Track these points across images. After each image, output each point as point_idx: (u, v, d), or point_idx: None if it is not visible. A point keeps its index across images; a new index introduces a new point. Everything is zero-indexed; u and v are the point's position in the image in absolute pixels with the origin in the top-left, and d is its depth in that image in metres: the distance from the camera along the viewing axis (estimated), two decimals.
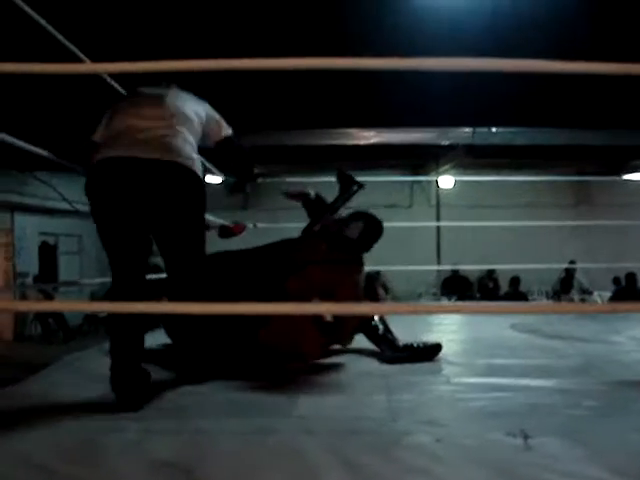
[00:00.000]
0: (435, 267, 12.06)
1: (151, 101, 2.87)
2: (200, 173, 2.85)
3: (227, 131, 3.08)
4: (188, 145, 2.79)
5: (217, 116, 3.07)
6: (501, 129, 7.66)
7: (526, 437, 1.96)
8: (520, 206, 12.36)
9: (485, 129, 7.59)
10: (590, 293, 11.88)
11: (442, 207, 12.72)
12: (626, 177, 11.80)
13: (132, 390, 2.49)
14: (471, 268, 12.06)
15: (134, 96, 3.01)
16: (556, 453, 1.86)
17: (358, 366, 3.24)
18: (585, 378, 2.96)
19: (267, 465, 1.82)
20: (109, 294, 2.98)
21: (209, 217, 3.35)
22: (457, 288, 12.56)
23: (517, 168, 10.97)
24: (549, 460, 1.80)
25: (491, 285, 12.76)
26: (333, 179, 3.74)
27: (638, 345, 4.01)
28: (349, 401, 2.54)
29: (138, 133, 2.70)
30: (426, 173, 11.44)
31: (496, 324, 4.64)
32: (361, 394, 2.65)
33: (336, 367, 3.21)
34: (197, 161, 2.83)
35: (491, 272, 12.75)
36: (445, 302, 10.94)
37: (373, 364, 3.29)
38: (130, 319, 2.55)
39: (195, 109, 2.93)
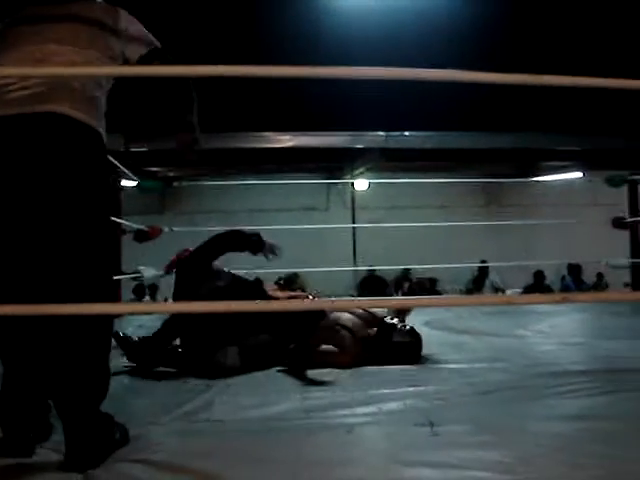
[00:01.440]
0: (351, 268, 12.23)
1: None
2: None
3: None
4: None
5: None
6: (413, 133, 7.87)
7: (432, 425, 2.07)
8: (434, 207, 12.71)
9: (398, 133, 7.78)
10: (503, 291, 12.28)
11: (358, 209, 12.91)
12: (535, 179, 12.25)
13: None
14: (387, 268, 12.26)
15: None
16: (462, 440, 1.97)
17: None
18: (493, 370, 3.10)
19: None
20: None
21: (121, 221, 3.19)
22: (374, 289, 12.76)
23: (430, 170, 11.24)
24: (455, 446, 1.90)
25: (407, 285, 13.03)
26: (249, 182, 3.78)
27: (543, 338, 4.21)
28: (264, 401, 2.58)
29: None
30: (342, 176, 11.61)
31: (411, 322, 4.76)
32: (275, 393, 2.69)
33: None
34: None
35: (407, 272, 13.02)
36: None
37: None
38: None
39: None
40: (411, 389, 2.68)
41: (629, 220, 7.11)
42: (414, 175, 10.70)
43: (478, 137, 8.90)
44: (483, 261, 12.29)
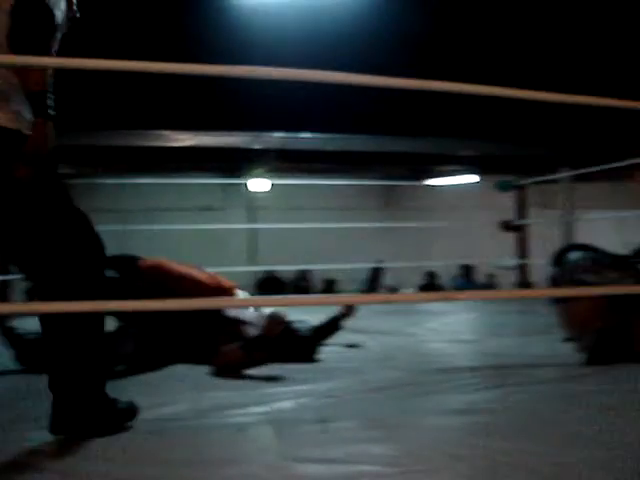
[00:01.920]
0: (248, 268, 12.20)
1: None
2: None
3: None
4: None
5: None
6: (312, 135, 7.95)
7: (324, 422, 2.10)
8: (333, 209, 12.83)
9: (297, 135, 7.84)
10: (396, 291, 12.51)
11: (259, 210, 12.89)
12: (430, 182, 12.60)
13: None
14: (285, 269, 12.31)
15: None
16: (352, 436, 2.01)
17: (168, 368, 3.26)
18: (385, 368, 3.18)
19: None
20: None
21: None
22: (271, 289, 12.78)
23: (330, 172, 11.37)
24: (345, 442, 1.94)
25: (305, 286, 13.11)
26: (145, 181, 3.71)
27: (434, 336, 4.35)
28: (158, 401, 2.54)
29: None
30: (241, 176, 11.58)
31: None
32: (170, 394, 2.66)
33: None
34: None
35: (305, 273, 13.11)
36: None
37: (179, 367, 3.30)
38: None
39: None
40: (305, 387, 2.71)
41: (516, 223, 7.43)
42: (315, 177, 10.79)
43: (377, 140, 9.09)
44: (379, 261, 12.44)
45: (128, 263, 3.42)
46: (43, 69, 1.89)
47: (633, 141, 9.14)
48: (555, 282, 3.70)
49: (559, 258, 3.71)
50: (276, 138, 7.79)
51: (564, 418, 2.23)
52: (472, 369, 3.09)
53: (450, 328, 4.68)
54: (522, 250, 7.74)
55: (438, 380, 2.83)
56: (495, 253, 7.33)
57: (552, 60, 7.68)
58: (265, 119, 7.35)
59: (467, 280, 12.73)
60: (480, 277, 13.43)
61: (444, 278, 13.20)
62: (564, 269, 3.62)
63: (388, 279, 12.97)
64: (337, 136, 8.20)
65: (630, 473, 1.66)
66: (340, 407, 2.38)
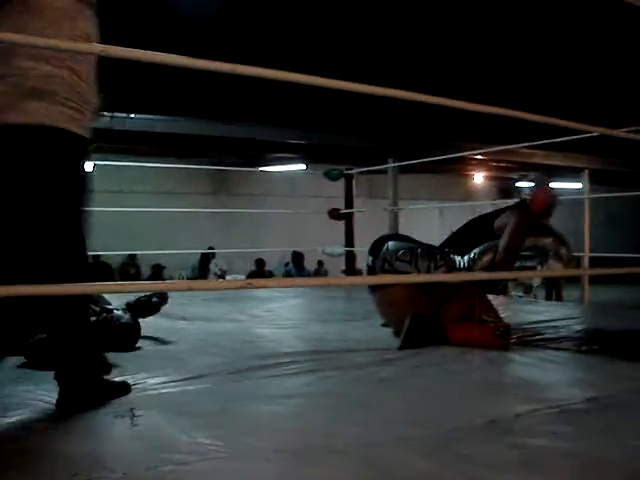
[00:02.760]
0: None
1: None
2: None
3: None
4: None
5: None
6: (140, 116, 7.69)
7: (133, 415, 2.02)
8: (163, 192, 12.55)
9: (123, 115, 7.55)
10: (223, 277, 12.52)
11: None
12: (261, 169, 12.63)
13: None
14: (112, 254, 11.83)
15: None
16: (161, 424, 1.95)
17: None
18: (206, 354, 3.13)
19: None
20: None
21: None
22: (99, 275, 12.30)
23: (159, 155, 11.07)
24: (153, 433, 1.87)
25: (133, 272, 12.76)
26: None
27: (258, 322, 4.33)
28: None
29: None
30: None
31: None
32: None
33: None
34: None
35: (133, 258, 12.75)
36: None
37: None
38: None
39: None
40: (121, 378, 2.59)
41: (343, 212, 7.60)
42: (142, 159, 10.46)
43: (207, 124, 8.96)
44: (210, 247, 12.44)
45: None
46: None
47: (455, 135, 9.66)
48: (372, 271, 3.80)
49: (376, 248, 3.82)
50: (102, 117, 7.43)
51: (378, 400, 2.29)
52: (293, 354, 3.10)
53: (275, 314, 4.69)
54: (349, 238, 7.92)
55: (258, 366, 2.81)
56: (326, 241, 7.45)
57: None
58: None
59: (297, 267, 12.93)
60: (311, 264, 13.70)
61: (274, 265, 13.35)
62: (381, 258, 3.73)
63: (218, 264, 12.96)
64: (165, 118, 7.98)
65: (442, 450, 1.72)
66: (153, 398, 2.29)
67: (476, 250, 3.69)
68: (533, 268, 3.96)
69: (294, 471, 1.61)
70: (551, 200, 3.83)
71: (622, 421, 2.03)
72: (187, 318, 4.33)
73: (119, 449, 1.76)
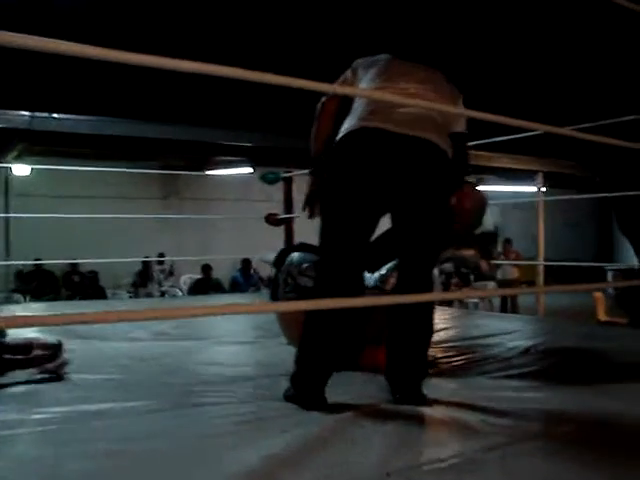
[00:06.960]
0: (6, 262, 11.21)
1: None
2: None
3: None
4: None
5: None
6: (64, 116, 7.25)
7: None
8: (108, 197, 12.07)
9: (45, 114, 7.10)
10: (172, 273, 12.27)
11: (18, 197, 11.79)
12: (209, 172, 12.24)
13: None
14: (53, 262, 11.32)
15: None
16: None
17: None
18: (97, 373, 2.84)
19: None
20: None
21: None
22: (42, 284, 11.82)
23: (104, 159, 10.62)
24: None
25: (77, 279, 12.29)
26: None
27: (158, 341, 3.98)
28: None
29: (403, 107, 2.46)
30: None
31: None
32: None
33: None
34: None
35: (76, 266, 12.26)
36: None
37: None
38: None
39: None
40: None
41: (282, 216, 7.23)
42: (85, 163, 10.00)
43: (147, 126, 8.56)
44: (161, 255, 12.08)
45: None
46: None
47: None
48: (275, 284, 3.46)
49: (280, 259, 3.49)
50: (20, 117, 6.96)
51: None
52: (157, 386, 2.74)
53: (181, 332, 4.29)
54: (289, 244, 7.56)
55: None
56: (279, 246, 7.06)
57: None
58: (10, 96, 6.55)
59: (244, 274, 12.52)
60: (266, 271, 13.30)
61: (223, 272, 12.94)
62: (284, 271, 3.39)
63: (162, 273, 12.57)
64: (93, 118, 7.54)
65: None
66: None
67: (384, 269, 3.34)
68: (450, 272, 3.68)
69: None
70: (478, 206, 3.47)
71: None
72: (82, 335, 3.94)
73: None
